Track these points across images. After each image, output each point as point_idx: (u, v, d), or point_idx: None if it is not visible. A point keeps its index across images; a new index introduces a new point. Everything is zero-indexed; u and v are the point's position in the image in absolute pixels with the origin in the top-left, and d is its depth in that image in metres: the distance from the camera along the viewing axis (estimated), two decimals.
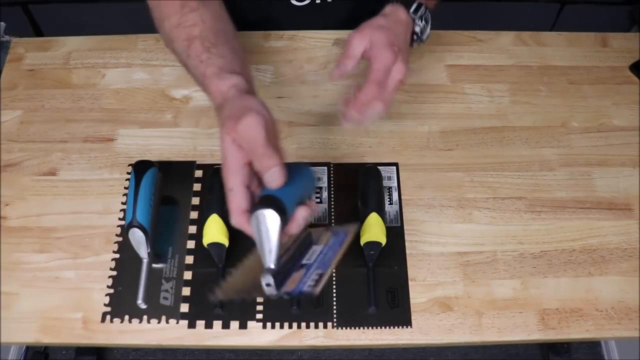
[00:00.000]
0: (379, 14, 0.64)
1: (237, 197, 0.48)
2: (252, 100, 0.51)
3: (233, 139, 0.48)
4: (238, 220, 0.49)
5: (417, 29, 0.66)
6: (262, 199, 0.48)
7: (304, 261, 0.53)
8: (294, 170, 0.50)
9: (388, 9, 0.64)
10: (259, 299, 0.61)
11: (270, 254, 0.47)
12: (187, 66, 0.60)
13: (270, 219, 0.46)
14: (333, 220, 0.66)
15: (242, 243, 0.64)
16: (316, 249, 0.55)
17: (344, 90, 0.76)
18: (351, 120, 0.60)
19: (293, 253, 0.53)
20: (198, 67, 0.57)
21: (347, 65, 0.61)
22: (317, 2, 0.79)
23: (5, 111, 0.74)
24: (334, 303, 0.61)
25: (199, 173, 0.69)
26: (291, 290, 0.49)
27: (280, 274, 0.48)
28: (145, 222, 0.59)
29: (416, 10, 0.64)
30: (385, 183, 0.69)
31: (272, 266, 0.47)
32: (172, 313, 0.60)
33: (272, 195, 0.48)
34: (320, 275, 0.50)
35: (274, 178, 0.48)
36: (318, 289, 0.48)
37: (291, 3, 0.79)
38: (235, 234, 0.63)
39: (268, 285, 0.48)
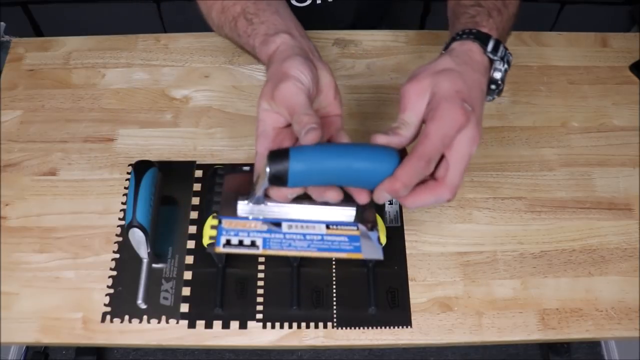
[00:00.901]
0: (446, 52, 0.49)
1: (260, 160, 0.47)
2: (292, 62, 0.47)
3: (268, 104, 0.47)
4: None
5: (498, 76, 0.49)
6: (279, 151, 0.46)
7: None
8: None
9: (456, 44, 0.49)
10: (259, 299, 0.61)
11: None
12: (242, 47, 0.59)
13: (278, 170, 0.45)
14: None
15: None
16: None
17: (345, 91, 0.76)
18: (382, 201, 0.46)
19: None
20: (248, 42, 0.56)
21: (404, 135, 0.45)
22: (318, 2, 0.79)
23: (5, 111, 0.74)
24: (334, 303, 0.61)
25: (199, 173, 0.69)
26: None
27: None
28: (145, 222, 0.59)
29: (495, 50, 0.48)
30: None
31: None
32: (172, 313, 0.60)
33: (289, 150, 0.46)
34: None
35: (309, 135, 0.43)
36: None
37: (292, 4, 0.79)
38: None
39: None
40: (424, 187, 0.46)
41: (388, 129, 0.47)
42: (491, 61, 0.50)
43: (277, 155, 0.45)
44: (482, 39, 0.49)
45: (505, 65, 0.50)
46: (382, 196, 0.46)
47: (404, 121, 0.46)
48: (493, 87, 0.51)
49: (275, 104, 0.46)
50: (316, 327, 0.60)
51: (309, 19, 0.82)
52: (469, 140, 0.44)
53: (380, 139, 0.46)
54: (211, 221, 0.61)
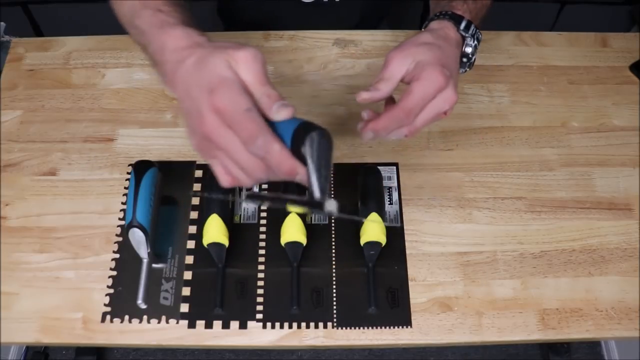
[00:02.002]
0: (424, 30, 0.56)
1: (279, 149, 0.41)
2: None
3: (230, 66, 0.42)
4: (286, 158, 0.42)
5: (469, 50, 0.57)
6: (305, 123, 0.43)
7: None
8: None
9: (434, 24, 0.56)
10: (259, 299, 0.61)
11: (327, 178, 0.44)
12: (134, 17, 0.52)
13: (326, 141, 0.43)
14: (333, 220, 0.66)
15: (242, 243, 0.64)
16: None
17: (345, 91, 0.76)
18: (366, 138, 0.53)
19: None
20: (155, 15, 0.50)
21: (382, 89, 0.51)
22: (325, 0, 0.78)
23: (5, 111, 0.74)
24: (334, 303, 0.61)
25: (199, 173, 0.69)
26: None
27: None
28: (145, 222, 0.59)
29: (467, 28, 0.56)
30: (385, 183, 0.69)
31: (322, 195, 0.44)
32: (172, 313, 0.60)
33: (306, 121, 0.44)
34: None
35: (283, 111, 0.42)
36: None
37: (298, 0, 0.79)
38: (235, 234, 0.64)
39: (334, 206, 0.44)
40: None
41: (369, 86, 0.52)
42: (463, 38, 0.57)
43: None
44: (455, 19, 0.56)
45: (475, 42, 0.58)
46: (366, 134, 0.52)
47: (383, 77, 0.52)
48: (465, 60, 0.58)
49: (240, 66, 0.42)
50: (316, 327, 0.60)
51: (314, 17, 0.82)
52: (444, 100, 0.51)
53: (364, 95, 0.52)
54: (211, 221, 0.61)
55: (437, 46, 0.52)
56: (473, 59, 0.59)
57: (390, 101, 0.55)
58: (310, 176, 0.43)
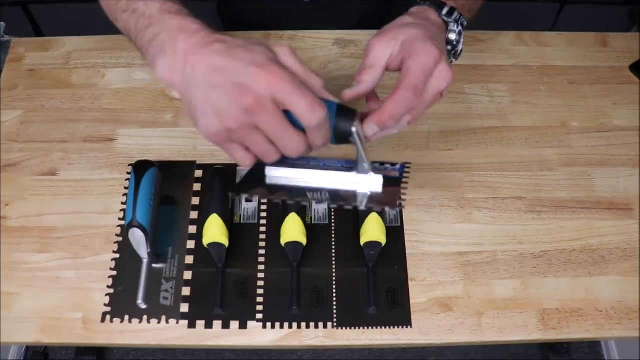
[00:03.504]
0: (404, 14, 0.53)
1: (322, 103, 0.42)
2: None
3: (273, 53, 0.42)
4: (317, 104, 0.42)
5: (453, 37, 0.53)
6: (343, 107, 0.46)
7: None
8: None
9: (413, 9, 0.53)
10: (259, 299, 0.61)
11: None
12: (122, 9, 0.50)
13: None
14: (333, 220, 0.66)
15: (242, 243, 0.64)
16: None
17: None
18: (370, 134, 0.48)
19: None
20: (167, 4, 0.47)
21: (366, 80, 0.48)
22: None
23: (5, 111, 0.74)
24: (334, 303, 0.61)
25: (199, 173, 0.69)
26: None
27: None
28: (145, 222, 0.59)
29: (449, 14, 0.53)
30: None
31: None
32: (172, 313, 0.60)
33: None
34: None
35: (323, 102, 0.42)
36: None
37: (298, 0, 0.78)
38: (235, 234, 0.64)
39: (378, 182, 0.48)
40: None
41: (353, 78, 0.49)
42: (446, 23, 0.53)
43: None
44: (437, 4, 0.53)
45: (459, 27, 0.53)
46: (369, 128, 0.47)
47: (366, 65, 0.48)
48: (449, 47, 0.54)
49: (282, 57, 0.43)
50: (316, 327, 0.60)
51: (313, 18, 0.82)
52: (440, 77, 0.47)
53: (348, 93, 0.49)
54: (211, 221, 0.61)
55: (421, 25, 0.49)
56: (459, 48, 0.55)
57: (372, 99, 0.51)
58: (362, 153, 0.47)
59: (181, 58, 0.42)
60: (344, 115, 0.46)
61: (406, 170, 0.55)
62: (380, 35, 0.49)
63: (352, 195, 0.50)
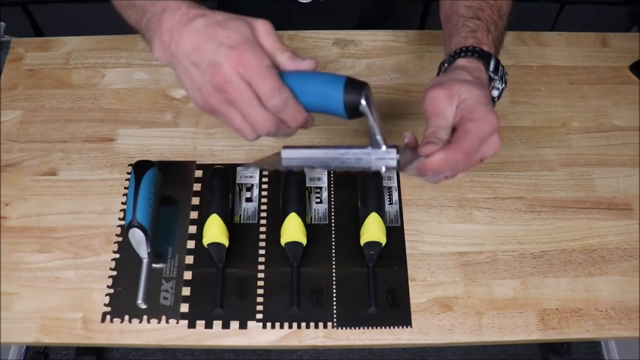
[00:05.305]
0: (456, 67, 0.52)
1: (295, 102, 0.44)
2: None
3: (251, 29, 0.44)
4: (302, 113, 0.45)
5: (495, 94, 0.53)
6: (351, 80, 0.46)
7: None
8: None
9: (463, 62, 0.52)
10: (259, 299, 0.61)
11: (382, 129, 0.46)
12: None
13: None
14: (333, 220, 0.66)
15: (242, 243, 0.64)
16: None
17: None
18: (409, 174, 0.50)
19: None
20: None
21: (444, 137, 0.47)
22: (322, 0, 0.78)
23: (5, 111, 0.74)
24: (334, 303, 0.61)
25: (199, 173, 0.69)
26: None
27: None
28: (145, 222, 0.59)
29: (495, 69, 0.52)
30: (385, 183, 0.69)
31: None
32: (172, 313, 0.60)
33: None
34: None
35: (308, 62, 0.45)
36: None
37: (296, 1, 0.79)
38: (235, 234, 0.64)
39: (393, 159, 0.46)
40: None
41: (428, 135, 0.48)
42: (490, 79, 0.53)
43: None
44: (485, 57, 0.52)
45: (503, 85, 0.54)
46: (410, 170, 0.48)
47: (441, 125, 0.48)
48: None
49: (260, 33, 0.44)
50: (316, 327, 0.60)
51: (313, 19, 0.82)
52: (490, 145, 0.48)
53: (429, 148, 0.47)
54: (211, 221, 0.61)
55: (480, 85, 0.49)
56: (495, 103, 0.54)
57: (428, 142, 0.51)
58: (374, 125, 0.45)
59: (167, 36, 0.45)
60: (352, 89, 0.46)
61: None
62: (443, 88, 0.48)
63: (367, 167, 0.49)
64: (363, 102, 0.45)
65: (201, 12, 0.45)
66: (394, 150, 0.46)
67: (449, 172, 0.48)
